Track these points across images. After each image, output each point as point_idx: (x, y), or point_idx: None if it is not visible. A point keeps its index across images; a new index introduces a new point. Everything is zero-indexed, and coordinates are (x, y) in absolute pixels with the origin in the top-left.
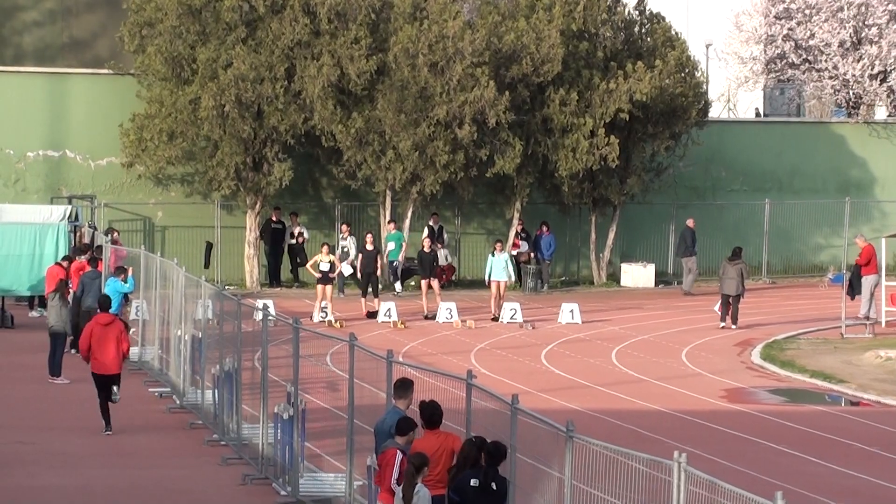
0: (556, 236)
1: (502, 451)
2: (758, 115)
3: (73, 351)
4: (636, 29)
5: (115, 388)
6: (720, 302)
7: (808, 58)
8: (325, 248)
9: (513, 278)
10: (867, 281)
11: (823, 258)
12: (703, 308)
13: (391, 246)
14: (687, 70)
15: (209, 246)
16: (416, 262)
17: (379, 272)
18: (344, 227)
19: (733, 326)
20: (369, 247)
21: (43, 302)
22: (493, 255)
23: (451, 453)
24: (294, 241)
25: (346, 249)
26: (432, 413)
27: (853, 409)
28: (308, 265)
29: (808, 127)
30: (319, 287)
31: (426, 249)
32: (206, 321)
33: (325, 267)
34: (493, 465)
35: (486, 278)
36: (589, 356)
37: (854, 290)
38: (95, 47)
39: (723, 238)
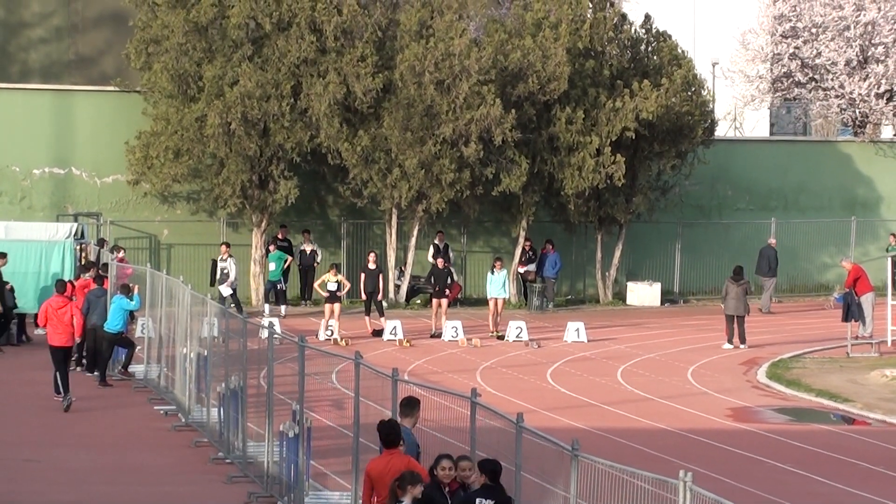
0: (563, 255)
1: (499, 466)
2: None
3: (77, 369)
4: (642, 47)
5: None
6: (726, 323)
7: (815, 76)
8: (332, 269)
9: (507, 296)
10: (867, 299)
11: (829, 277)
12: (709, 327)
13: (272, 266)
14: (693, 88)
15: (215, 263)
16: (422, 280)
17: (381, 294)
18: (223, 248)
19: (742, 346)
20: (371, 266)
21: None
22: (492, 273)
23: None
24: (308, 260)
25: (225, 271)
26: (388, 433)
27: (859, 429)
28: (316, 285)
29: (814, 146)
30: (327, 306)
31: (440, 266)
32: (211, 339)
33: (332, 287)
34: (496, 482)
35: (488, 296)
36: (595, 375)
37: (851, 314)
38: (101, 64)
39: (729, 257)
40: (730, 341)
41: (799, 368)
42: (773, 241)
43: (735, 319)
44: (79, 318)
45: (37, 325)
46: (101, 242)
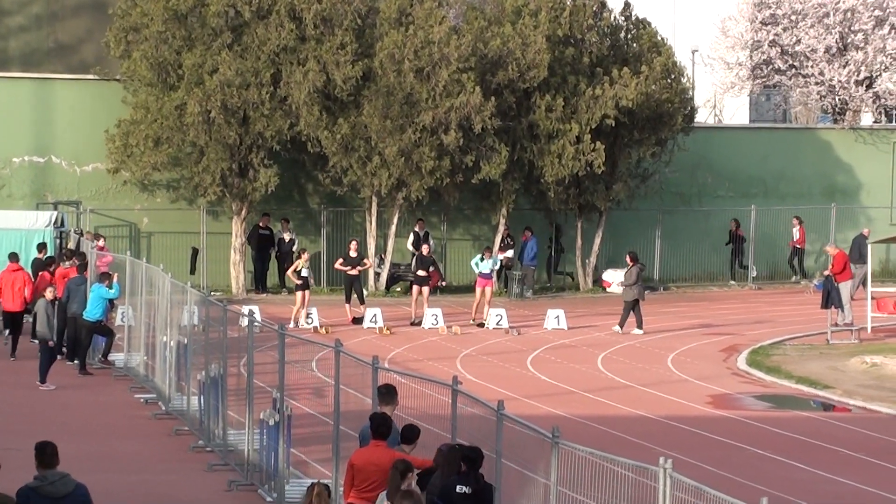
0: (542, 242)
1: (481, 455)
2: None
3: (58, 357)
4: (622, 34)
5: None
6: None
7: (795, 63)
8: (304, 255)
9: (493, 275)
10: (845, 287)
11: (809, 264)
12: (689, 314)
13: None
14: (673, 76)
15: (195, 252)
16: (402, 267)
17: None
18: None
19: (638, 331)
20: (353, 254)
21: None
22: (481, 260)
23: (385, 470)
24: (286, 248)
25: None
26: (380, 424)
27: (838, 415)
28: (289, 272)
29: (794, 133)
30: (299, 293)
31: (425, 254)
32: (191, 327)
33: (305, 273)
34: (476, 470)
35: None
36: (575, 362)
37: (831, 300)
38: (81, 52)
39: (709, 244)
40: (640, 326)
41: (779, 355)
42: (867, 231)
43: (638, 304)
44: (29, 285)
45: None
46: (96, 236)
